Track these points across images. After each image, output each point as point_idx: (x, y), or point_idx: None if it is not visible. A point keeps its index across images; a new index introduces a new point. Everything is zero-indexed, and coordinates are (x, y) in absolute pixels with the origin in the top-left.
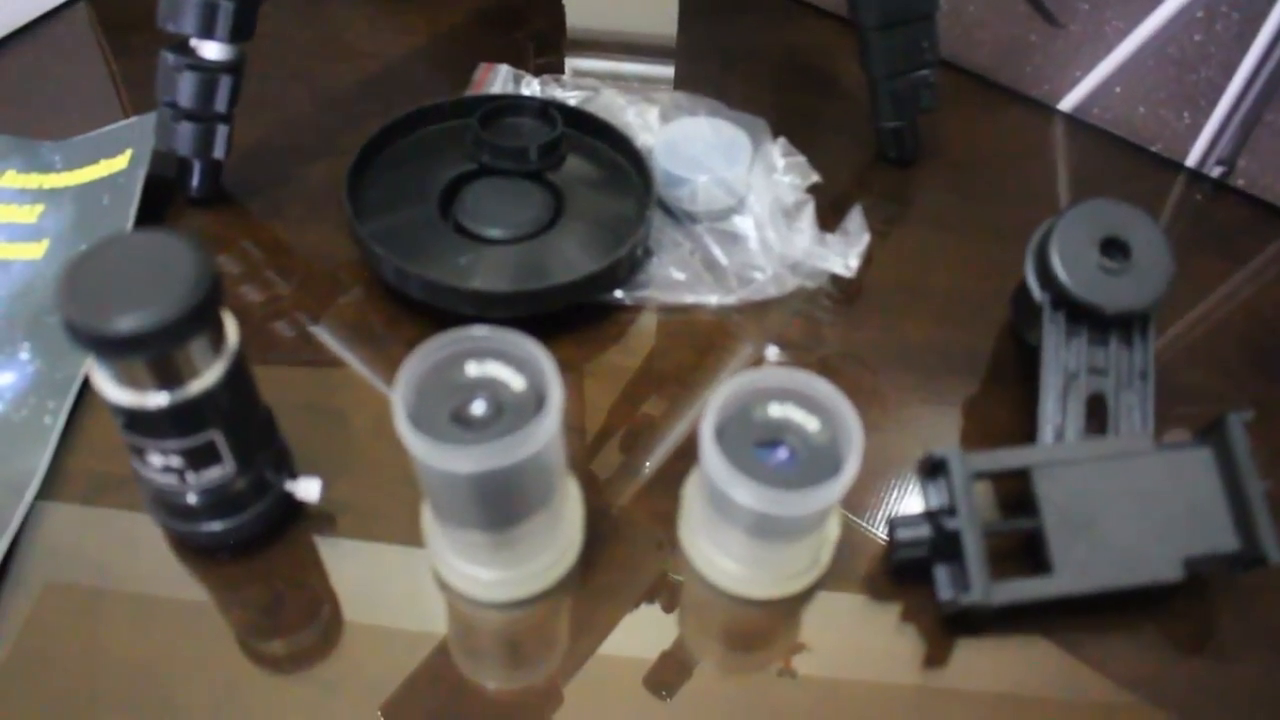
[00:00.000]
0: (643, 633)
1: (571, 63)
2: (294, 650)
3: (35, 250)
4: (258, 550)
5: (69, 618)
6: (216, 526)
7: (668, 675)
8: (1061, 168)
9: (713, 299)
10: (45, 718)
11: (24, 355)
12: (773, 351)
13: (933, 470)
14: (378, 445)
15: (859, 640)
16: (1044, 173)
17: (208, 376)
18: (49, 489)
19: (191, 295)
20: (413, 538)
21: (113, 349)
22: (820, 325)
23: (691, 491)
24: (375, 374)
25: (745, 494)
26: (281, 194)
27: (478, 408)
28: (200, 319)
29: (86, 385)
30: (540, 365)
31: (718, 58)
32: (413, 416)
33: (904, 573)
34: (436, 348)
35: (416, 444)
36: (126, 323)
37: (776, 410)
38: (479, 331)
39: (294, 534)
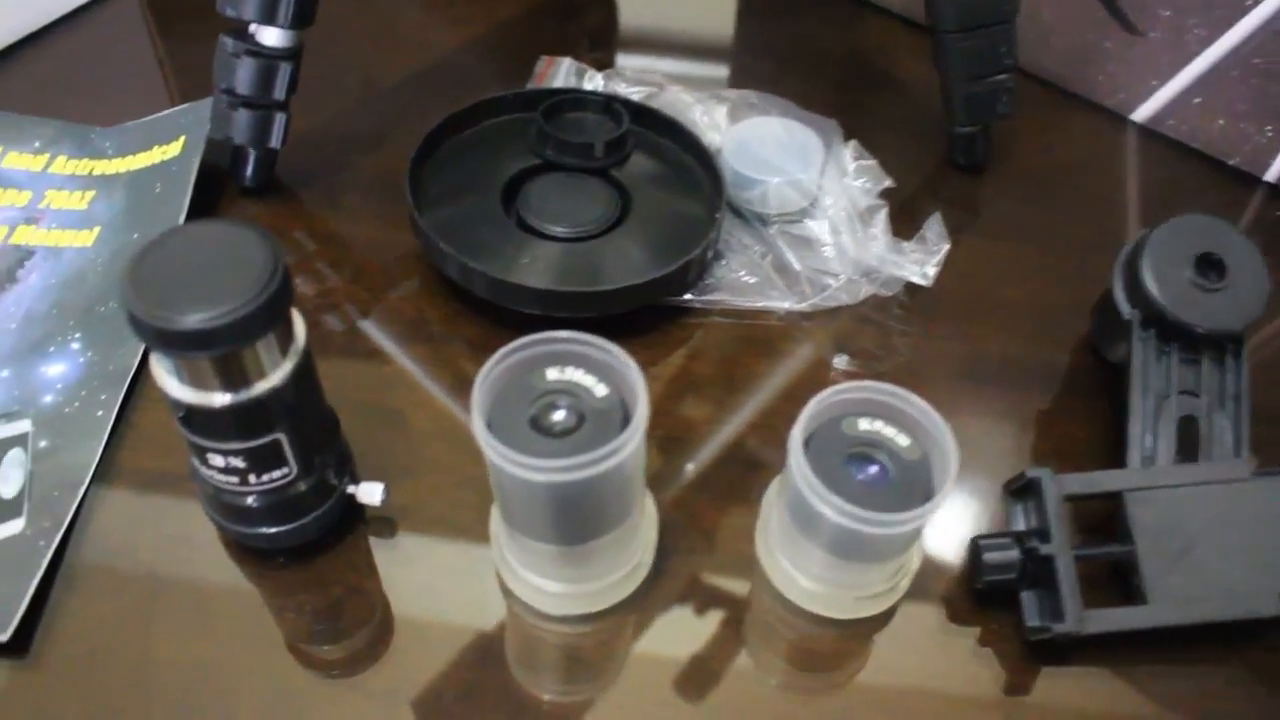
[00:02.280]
0: (713, 650)
1: (624, 59)
2: (350, 657)
3: (86, 238)
4: (316, 554)
5: (121, 616)
6: (275, 530)
7: (737, 695)
8: (1132, 179)
9: (785, 304)
10: (98, 714)
11: (75, 345)
12: (841, 360)
13: (1022, 491)
14: (437, 447)
15: (937, 664)
16: (1115, 184)
17: (274, 376)
18: (101, 483)
19: (262, 291)
20: (476, 544)
21: (179, 345)
22: (891, 334)
23: (771, 504)
24: (434, 373)
25: (834, 510)
26: (335, 185)
27: (559, 415)
28: (271, 317)
29: (139, 378)
30: (625, 373)
31: (774, 57)
32: (491, 422)
33: (987, 596)
34: (516, 350)
35: (495, 451)
36: (194, 319)
37: (866, 425)
38: (561, 335)
39: (353, 538)
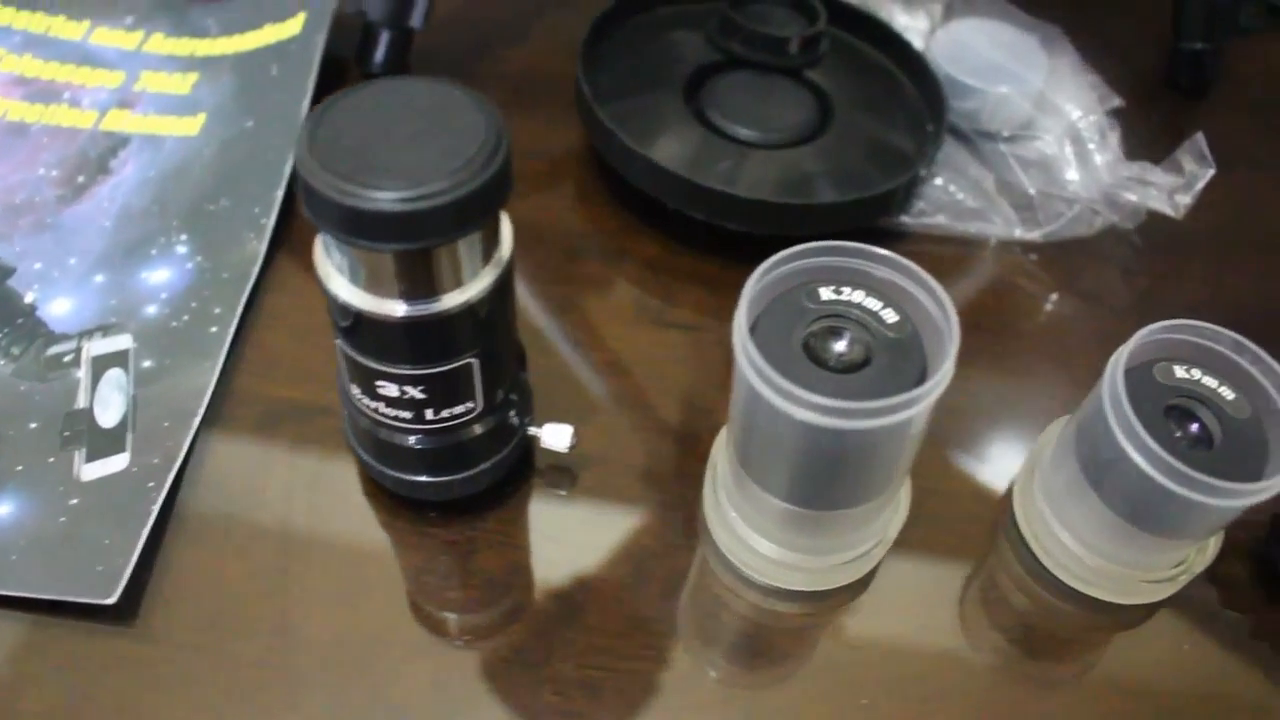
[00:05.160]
0: (964, 636)
1: None
2: (522, 633)
3: (190, 125)
4: (478, 509)
5: (250, 577)
6: (443, 478)
7: (1008, 694)
8: None
9: (1014, 232)
10: (227, 696)
11: (181, 249)
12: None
13: None
14: (624, 385)
15: (1215, 663)
16: None
17: (472, 287)
18: (217, 415)
19: (483, 169)
20: (667, 498)
21: (367, 232)
22: (1133, 274)
23: (1050, 464)
24: (609, 297)
25: (1154, 467)
26: (475, 77)
27: (840, 345)
28: (490, 203)
29: (260, 288)
30: (922, 299)
31: None
32: (757, 342)
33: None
34: (789, 259)
35: (763, 380)
36: (392, 197)
37: (1182, 373)
38: (847, 246)
39: (523, 491)
